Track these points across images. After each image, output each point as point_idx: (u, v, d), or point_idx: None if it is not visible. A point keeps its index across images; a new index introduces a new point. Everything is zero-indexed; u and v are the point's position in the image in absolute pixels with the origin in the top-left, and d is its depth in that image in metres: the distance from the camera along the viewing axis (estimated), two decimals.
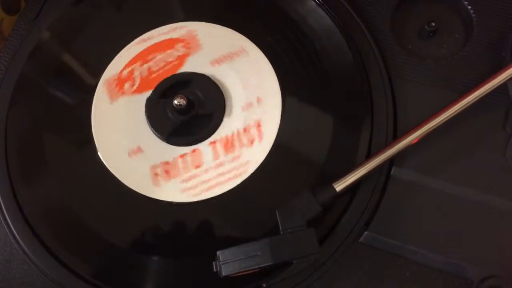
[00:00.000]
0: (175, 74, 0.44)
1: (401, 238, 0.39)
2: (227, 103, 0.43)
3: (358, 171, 0.38)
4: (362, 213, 0.40)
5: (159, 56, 0.45)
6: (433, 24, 0.45)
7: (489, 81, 0.41)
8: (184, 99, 0.41)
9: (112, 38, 0.47)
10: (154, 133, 0.43)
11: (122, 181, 0.41)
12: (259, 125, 0.42)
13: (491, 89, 0.40)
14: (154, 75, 0.44)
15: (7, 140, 0.44)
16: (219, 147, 0.42)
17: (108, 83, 0.44)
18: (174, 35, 0.46)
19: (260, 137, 0.42)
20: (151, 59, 0.45)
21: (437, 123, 0.39)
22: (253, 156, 0.41)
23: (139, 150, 0.42)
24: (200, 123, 0.43)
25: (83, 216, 0.41)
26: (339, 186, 0.38)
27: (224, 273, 0.35)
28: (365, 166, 0.38)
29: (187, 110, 0.42)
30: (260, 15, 0.47)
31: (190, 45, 0.45)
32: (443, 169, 0.41)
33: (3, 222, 0.41)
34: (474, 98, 0.40)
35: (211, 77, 0.44)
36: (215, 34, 0.46)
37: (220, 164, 0.41)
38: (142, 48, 0.46)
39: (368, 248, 0.40)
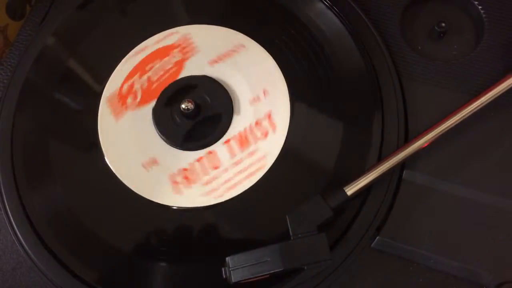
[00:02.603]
0: (177, 80, 0.44)
1: (414, 243, 0.39)
2: (234, 100, 0.43)
3: (369, 175, 0.38)
4: (374, 218, 0.39)
5: (157, 65, 0.45)
6: (443, 24, 0.44)
7: (501, 83, 0.40)
8: (192, 103, 0.41)
9: (113, 45, 0.46)
10: (166, 142, 0.42)
11: (141, 194, 0.41)
12: (270, 117, 0.42)
13: (503, 91, 0.40)
14: (155, 85, 0.44)
15: (13, 147, 0.43)
16: (234, 144, 0.42)
17: (110, 101, 0.44)
18: (168, 41, 0.46)
19: (273, 128, 0.42)
20: (149, 69, 0.45)
21: (449, 126, 0.39)
22: (269, 147, 0.41)
23: (154, 161, 0.42)
24: (210, 124, 0.43)
25: (95, 226, 0.41)
26: (350, 190, 0.37)
27: (233, 279, 0.34)
28: (376, 170, 0.38)
29: (195, 114, 0.42)
30: (258, 11, 0.47)
31: (186, 49, 0.45)
32: (456, 172, 0.41)
33: (9, 229, 0.41)
34: (487, 100, 0.40)
35: (212, 77, 0.44)
36: (209, 35, 0.46)
37: (239, 162, 0.41)
38: (139, 59, 0.45)
39: (380, 253, 0.39)
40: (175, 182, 0.41)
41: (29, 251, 0.40)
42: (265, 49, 0.44)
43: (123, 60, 0.45)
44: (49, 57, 0.47)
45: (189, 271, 0.39)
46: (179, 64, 0.45)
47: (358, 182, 0.37)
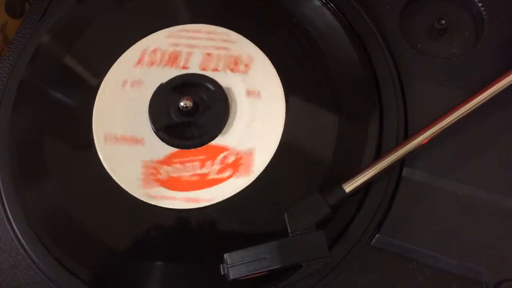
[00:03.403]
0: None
1: (414, 241, 0.39)
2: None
3: (368, 172, 0.38)
4: (374, 215, 0.39)
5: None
6: (443, 22, 0.44)
7: (500, 80, 0.40)
8: (190, 101, 0.41)
9: (115, 39, 0.46)
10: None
11: (127, 189, 0.41)
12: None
13: (503, 88, 0.40)
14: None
15: (10, 144, 0.43)
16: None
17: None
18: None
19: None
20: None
21: (448, 122, 0.39)
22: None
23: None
24: (207, 122, 0.43)
25: (92, 225, 0.41)
26: (348, 187, 0.37)
27: (231, 276, 0.34)
28: (375, 167, 0.38)
29: (192, 112, 0.42)
30: (250, 8, 0.47)
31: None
32: (456, 170, 0.40)
33: (8, 228, 0.41)
34: (486, 97, 0.40)
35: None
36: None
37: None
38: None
39: (379, 251, 0.39)
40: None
41: (28, 249, 0.40)
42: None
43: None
44: (47, 54, 0.47)
45: (186, 269, 0.39)
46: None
47: (356, 179, 0.37)
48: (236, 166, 0.41)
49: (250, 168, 0.41)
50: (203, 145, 0.42)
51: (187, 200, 0.40)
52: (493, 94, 0.40)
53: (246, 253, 0.34)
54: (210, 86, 0.43)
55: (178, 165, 0.41)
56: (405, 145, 0.39)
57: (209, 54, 0.45)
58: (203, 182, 0.41)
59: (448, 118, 0.39)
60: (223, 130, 0.42)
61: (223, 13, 0.47)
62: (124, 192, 0.41)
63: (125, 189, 0.41)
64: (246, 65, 0.44)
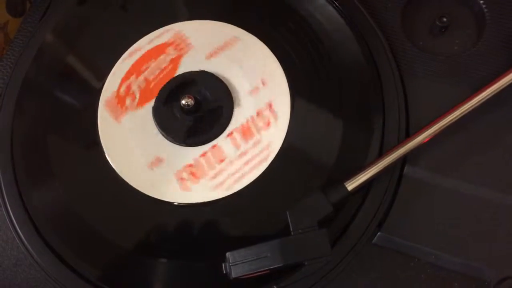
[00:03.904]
0: (174, 78, 0.44)
1: (415, 239, 0.39)
2: (233, 92, 0.43)
3: (370, 170, 0.38)
4: (375, 214, 0.39)
5: (153, 64, 0.45)
6: (445, 19, 0.44)
7: (502, 77, 0.40)
8: (192, 98, 0.41)
9: (116, 39, 0.46)
10: (168, 139, 0.42)
11: (149, 194, 0.41)
12: (271, 106, 0.42)
13: (505, 85, 0.40)
14: (152, 84, 0.44)
15: (13, 143, 0.43)
16: (238, 137, 0.42)
17: (108, 104, 0.44)
18: (161, 40, 0.46)
19: (275, 117, 0.42)
20: (145, 69, 0.45)
21: (450, 121, 0.39)
22: (272, 137, 0.41)
23: (159, 160, 0.42)
24: (212, 119, 0.43)
25: (96, 224, 0.41)
26: (350, 185, 0.37)
27: (234, 275, 0.34)
28: (377, 165, 0.38)
29: (196, 109, 0.42)
30: (253, 3, 0.47)
31: (180, 46, 0.45)
32: (457, 168, 0.40)
33: (10, 226, 0.41)
34: (488, 95, 0.40)
35: (210, 71, 0.44)
36: (203, 30, 0.46)
37: (244, 153, 0.41)
38: (133, 60, 0.45)
39: (381, 249, 0.39)
40: (182, 179, 0.41)
41: (30, 248, 0.40)
42: (261, 40, 0.44)
43: (117, 62, 0.45)
44: (48, 54, 0.47)
45: (193, 267, 0.39)
46: (175, 62, 0.45)
47: (358, 177, 0.37)
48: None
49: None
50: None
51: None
52: (495, 92, 0.40)
53: (248, 252, 0.34)
54: (210, 81, 0.43)
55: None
56: (407, 143, 0.38)
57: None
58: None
59: (450, 116, 0.39)
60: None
61: (225, 9, 0.47)
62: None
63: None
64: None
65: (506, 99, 0.41)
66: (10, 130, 0.44)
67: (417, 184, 0.40)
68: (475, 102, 0.39)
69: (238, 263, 0.34)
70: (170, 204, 0.40)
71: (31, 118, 0.44)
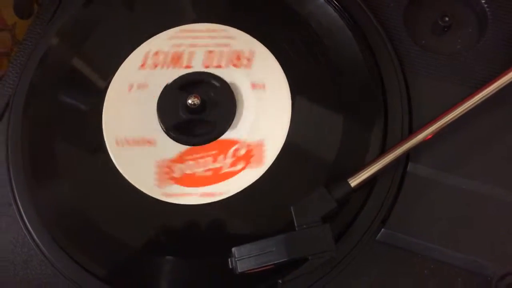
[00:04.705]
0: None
1: (419, 235, 0.39)
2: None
3: (373, 166, 0.38)
4: (379, 210, 0.39)
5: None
6: (447, 18, 0.44)
7: (504, 75, 0.40)
8: (198, 98, 0.42)
9: (121, 42, 0.47)
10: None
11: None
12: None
13: (506, 83, 0.40)
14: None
15: (23, 144, 0.44)
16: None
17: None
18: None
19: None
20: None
21: (452, 118, 0.39)
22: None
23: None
24: (214, 119, 0.43)
25: (103, 221, 0.41)
26: (354, 182, 0.37)
27: (239, 269, 0.34)
28: (380, 162, 0.38)
29: (200, 110, 0.42)
30: (253, 5, 0.48)
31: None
32: (460, 165, 0.41)
33: (21, 224, 0.42)
34: (490, 92, 0.40)
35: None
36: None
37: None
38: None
39: (385, 245, 0.39)
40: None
41: (40, 245, 0.41)
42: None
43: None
44: (57, 56, 0.47)
45: (196, 264, 0.39)
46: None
47: (362, 174, 0.38)
48: (248, 158, 0.41)
49: (262, 159, 0.41)
50: (214, 140, 0.42)
51: (203, 195, 0.41)
52: (496, 90, 0.40)
53: (253, 247, 0.35)
54: (215, 83, 0.44)
55: (190, 162, 0.42)
56: (410, 140, 0.39)
57: (210, 52, 0.45)
58: (217, 177, 0.41)
59: (453, 113, 0.39)
60: (232, 124, 0.43)
61: (226, 12, 0.48)
62: (140, 193, 0.41)
63: (141, 190, 0.41)
64: (249, 60, 0.45)
65: (508, 96, 0.41)
66: (20, 131, 0.44)
67: (421, 181, 0.40)
68: (477, 99, 0.39)
69: (243, 258, 0.35)
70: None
71: (40, 119, 0.45)
